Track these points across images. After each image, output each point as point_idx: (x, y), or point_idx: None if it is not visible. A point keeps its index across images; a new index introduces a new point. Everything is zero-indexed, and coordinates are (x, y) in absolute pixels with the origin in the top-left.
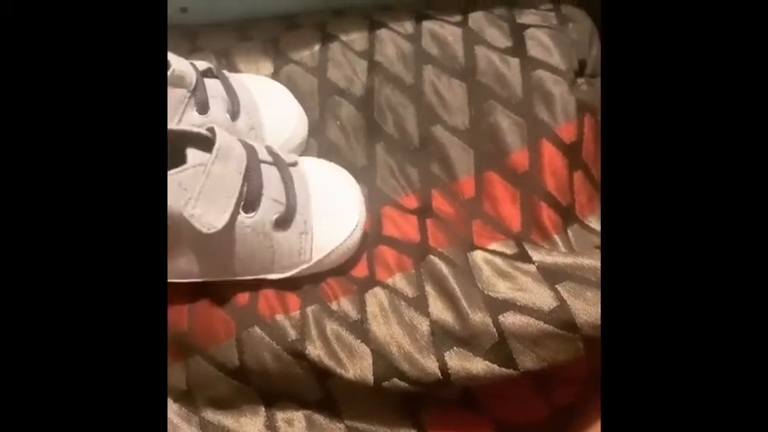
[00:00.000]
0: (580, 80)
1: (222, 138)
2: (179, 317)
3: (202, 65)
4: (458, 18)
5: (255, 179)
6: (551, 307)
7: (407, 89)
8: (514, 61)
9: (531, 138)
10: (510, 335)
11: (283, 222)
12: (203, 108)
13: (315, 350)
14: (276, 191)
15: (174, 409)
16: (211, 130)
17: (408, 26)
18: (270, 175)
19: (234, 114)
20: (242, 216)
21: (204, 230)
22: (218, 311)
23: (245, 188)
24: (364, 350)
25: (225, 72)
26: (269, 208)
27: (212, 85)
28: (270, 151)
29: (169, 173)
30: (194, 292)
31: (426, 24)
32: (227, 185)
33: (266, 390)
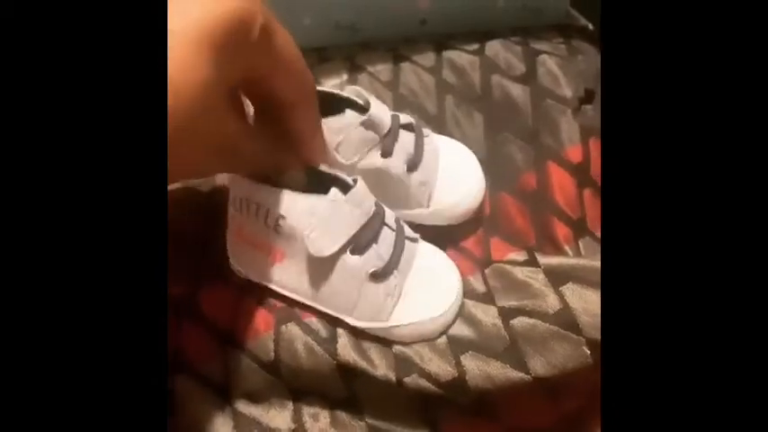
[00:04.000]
0: (587, 107)
1: (359, 189)
2: (222, 312)
3: (405, 118)
4: (475, 46)
5: (370, 233)
6: (556, 309)
7: (431, 120)
8: (526, 90)
9: (538, 161)
10: (520, 338)
11: (378, 277)
12: (386, 153)
13: (344, 349)
14: (385, 251)
15: (209, 401)
16: (355, 180)
17: (430, 57)
18: (386, 236)
19: (411, 167)
20: (347, 256)
21: (313, 252)
22: (259, 309)
23: (361, 235)
24: (387, 351)
25: (423, 130)
26: (371, 260)
27: (404, 137)
28: (397, 223)
29: (306, 196)
30: (238, 290)
31: (446, 54)
32: (347, 225)
33: (295, 385)
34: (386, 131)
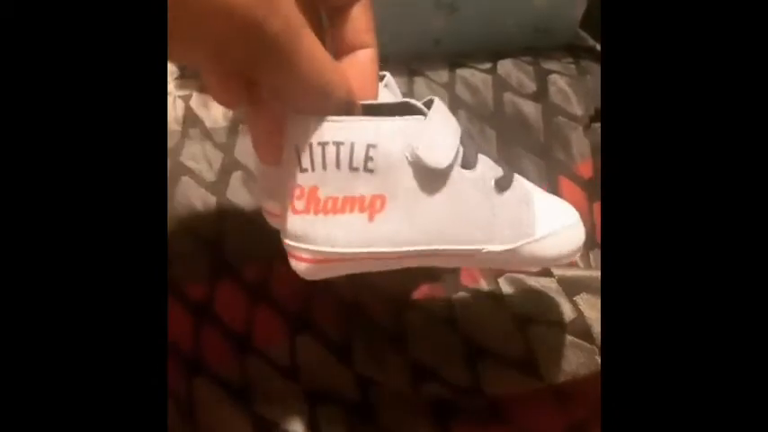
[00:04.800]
0: (596, 125)
1: (440, 103)
2: (237, 318)
3: None
4: (488, 65)
5: (470, 144)
6: (570, 318)
7: None
8: (538, 107)
9: (551, 175)
10: (536, 346)
11: (503, 185)
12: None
13: (360, 356)
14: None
15: (228, 404)
16: (431, 99)
17: (443, 74)
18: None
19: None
20: (461, 171)
21: (429, 163)
22: (274, 313)
23: (464, 145)
24: (404, 359)
25: None
26: (488, 169)
27: None
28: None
29: (392, 119)
30: (254, 294)
31: (459, 72)
32: (449, 133)
33: (312, 390)
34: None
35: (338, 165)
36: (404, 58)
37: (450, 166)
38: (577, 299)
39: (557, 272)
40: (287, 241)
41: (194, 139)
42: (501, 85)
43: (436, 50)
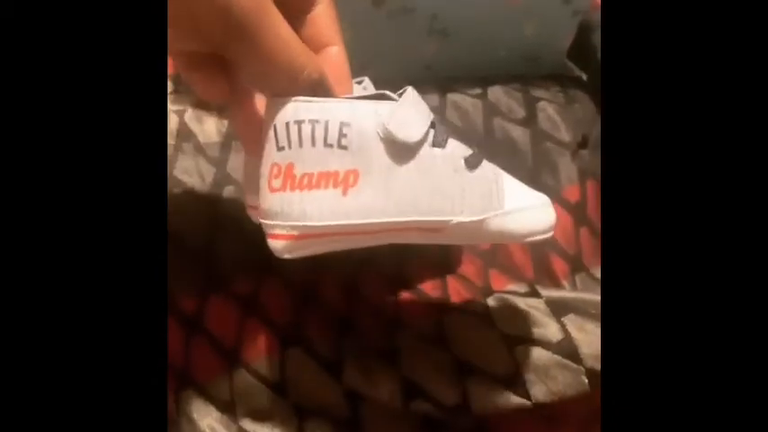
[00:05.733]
0: (583, 151)
1: (412, 91)
2: (227, 332)
3: None
4: (478, 91)
5: (441, 128)
6: (558, 339)
7: None
8: (527, 132)
9: None
10: (524, 365)
11: (473, 163)
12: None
13: (349, 372)
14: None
15: (215, 417)
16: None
17: (434, 98)
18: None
19: None
20: (431, 149)
21: (401, 137)
22: (264, 327)
23: (431, 131)
24: (393, 375)
25: None
26: (457, 147)
27: None
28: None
29: (366, 102)
30: (243, 307)
31: (450, 96)
32: (422, 111)
33: (301, 404)
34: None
35: (313, 142)
36: (395, 82)
37: (421, 143)
38: (565, 320)
39: (544, 293)
40: (264, 221)
41: (187, 154)
42: (491, 110)
43: (427, 75)
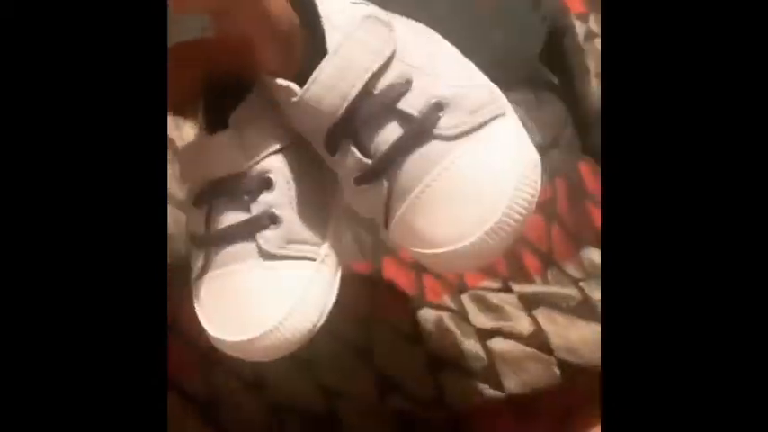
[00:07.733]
0: (553, 151)
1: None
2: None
3: None
4: None
5: None
6: (529, 331)
7: None
8: None
9: None
10: (497, 358)
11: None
12: None
13: (326, 367)
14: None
15: (194, 417)
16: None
17: None
18: None
19: None
20: None
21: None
22: None
23: None
24: (369, 372)
25: None
26: None
27: None
28: None
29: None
30: None
31: None
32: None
33: (278, 401)
34: None
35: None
36: None
37: None
38: (536, 312)
39: (516, 288)
40: None
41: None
42: None
43: None
